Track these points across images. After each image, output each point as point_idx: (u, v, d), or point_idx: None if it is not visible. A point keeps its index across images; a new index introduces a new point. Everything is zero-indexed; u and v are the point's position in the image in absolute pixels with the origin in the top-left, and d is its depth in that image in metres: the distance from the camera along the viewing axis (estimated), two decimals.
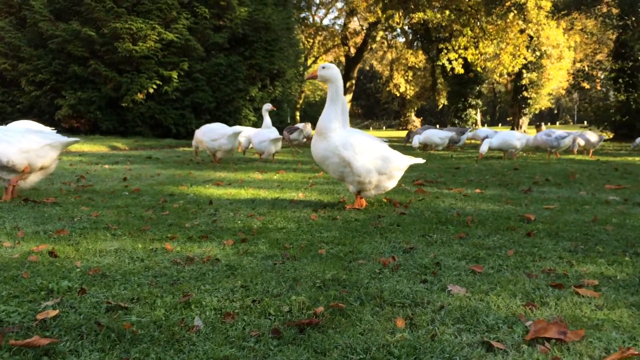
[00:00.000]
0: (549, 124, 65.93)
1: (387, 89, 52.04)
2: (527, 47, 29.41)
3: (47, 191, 5.69)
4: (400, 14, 31.41)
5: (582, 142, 13.25)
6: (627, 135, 21.72)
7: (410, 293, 2.39)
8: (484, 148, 11.03)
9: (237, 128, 10.30)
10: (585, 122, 32.96)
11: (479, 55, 29.46)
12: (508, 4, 25.46)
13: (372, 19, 33.61)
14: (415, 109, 60.77)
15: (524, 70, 32.92)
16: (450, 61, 30.08)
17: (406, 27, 36.31)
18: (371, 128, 73.29)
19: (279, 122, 21.03)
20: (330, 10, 44.55)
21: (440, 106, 47.85)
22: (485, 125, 59.21)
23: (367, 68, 69.97)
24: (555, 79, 36.40)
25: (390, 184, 4.76)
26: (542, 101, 38.65)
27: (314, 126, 9.08)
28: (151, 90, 18.65)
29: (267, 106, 10.57)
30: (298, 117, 42.28)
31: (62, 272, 2.69)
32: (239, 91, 20.80)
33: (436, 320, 2.10)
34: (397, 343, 1.88)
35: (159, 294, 2.37)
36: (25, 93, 18.66)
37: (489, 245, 3.31)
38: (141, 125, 19.26)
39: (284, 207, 4.78)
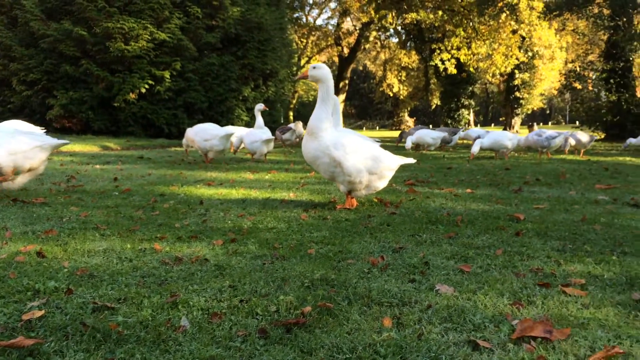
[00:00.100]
0: (541, 124, 66.27)
1: (381, 89, 52.12)
2: (520, 48, 29.58)
3: (37, 191, 5.66)
4: (393, 14, 31.46)
5: (573, 142, 13.32)
6: (618, 136, 21.86)
7: (398, 292, 2.40)
8: (475, 148, 11.07)
9: (229, 129, 10.28)
10: (577, 123, 33.12)
11: (472, 55, 29.59)
12: (500, 4, 25.56)
13: (365, 19, 33.64)
14: (409, 109, 60.90)
15: (516, 71, 33.10)
16: (443, 61, 30.20)
17: (399, 28, 36.41)
18: (364, 128, 73.39)
19: (272, 122, 21.02)
20: (324, 10, 44.43)
21: (433, 106, 47.94)
22: (478, 125, 59.39)
23: (361, 68, 70.08)
24: (547, 80, 36.61)
25: (381, 184, 4.77)
26: (535, 101, 38.86)
27: (306, 126, 9.07)
28: (143, 90, 18.59)
29: (260, 106, 10.56)
30: (291, 117, 42.24)
31: (49, 273, 2.68)
32: (231, 91, 20.77)
33: (423, 320, 2.10)
34: (383, 342, 1.88)
35: (147, 294, 2.36)
36: (17, 93, 18.57)
37: (478, 244, 3.32)
38: (133, 125, 19.20)
39: (274, 207, 4.77)
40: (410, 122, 59.52)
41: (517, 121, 37.09)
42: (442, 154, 13.67)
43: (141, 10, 18.56)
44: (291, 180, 7.06)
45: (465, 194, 5.72)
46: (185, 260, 2.95)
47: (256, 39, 21.46)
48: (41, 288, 2.41)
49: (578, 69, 27.80)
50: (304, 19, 41.60)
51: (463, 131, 17.67)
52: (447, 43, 30.21)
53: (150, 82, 18.61)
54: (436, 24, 30.29)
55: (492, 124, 69.33)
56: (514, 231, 3.68)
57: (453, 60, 30.06)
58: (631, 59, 23.69)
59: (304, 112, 50.36)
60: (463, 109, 36.38)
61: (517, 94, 35.41)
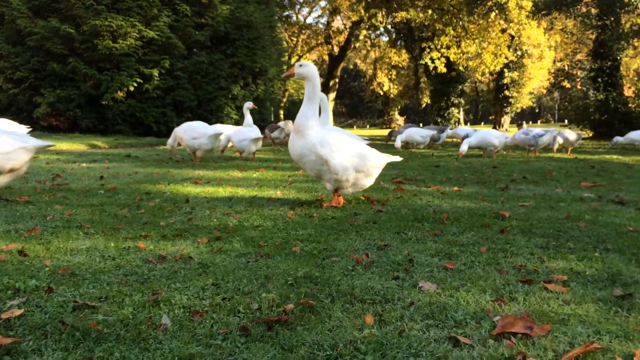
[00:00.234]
0: (530, 122, 66.68)
1: (371, 87, 52.17)
2: (509, 47, 29.74)
3: (21, 190, 5.61)
4: (383, 13, 31.51)
5: (561, 141, 13.41)
6: (605, 134, 22.01)
7: (381, 290, 2.40)
8: (464, 148, 11.11)
9: (218, 128, 10.24)
10: (566, 121, 33.37)
11: (461, 54, 29.69)
12: (489, 3, 25.68)
13: (355, 18, 33.64)
14: (399, 107, 61.03)
15: (505, 70, 33.29)
16: (433, 60, 30.26)
17: (389, 26, 36.42)
18: (355, 126, 73.42)
19: (262, 121, 20.99)
20: (314, 9, 44.39)
21: (424, 105, 48.09)
22: (468, 124, 59.62)
23: (351, 67, 70.08)
24: (536, 78, 36.90)
25: (368, 182, 4.77)
26: (524, 100, 39.16)
27: None
28: (132, 88, 18.49)
29: (248, 104, 10.52)
30: (282, 116, 42.17)
31: (30, 271, 2.65)
32: (220, 89, 20.71)
33: (405, 317, 2.10)
34: (364, 339, 1.88)
35: (128, 293, 2.34)
36: (3, 91, 18.41)
37: (463, 242, 3.33)
38: (122, 123, 19.09)
39: (261, 205, 4.76)
40: (400, 120, 59.67)
41: (506, 120, 37.29)
42: (430, 152, 13.71)
43: (129, 8, 18.45)
44: (279, 179, 7.04)
45: (452, 192, 5.74)
46: (169, 258, 2.93)
47: (246, 37, 21.40)
48: (21, 287, 2.39)
49: (566, 67, 27.94)
50: (294, 18, 41.55)
51: (451, 129, 17.74)
52: (436, 42, 30.26)
53: (138, 80, 18.51)
54: (426, 23, 30.34)
55: (482, 123, 69.61)
56: (499, 228, 3.70)
57: (443, 59, 30.15)
58: (619, 58, 23.86)
59: (295, 110, 50.09)
60: (453, 108, 36.50)
61: (507, 92, 35.62)
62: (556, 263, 2.86)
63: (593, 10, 23.67)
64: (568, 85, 27.83)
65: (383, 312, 2.14)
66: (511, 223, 3.92)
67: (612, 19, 22.95)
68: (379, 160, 4.72)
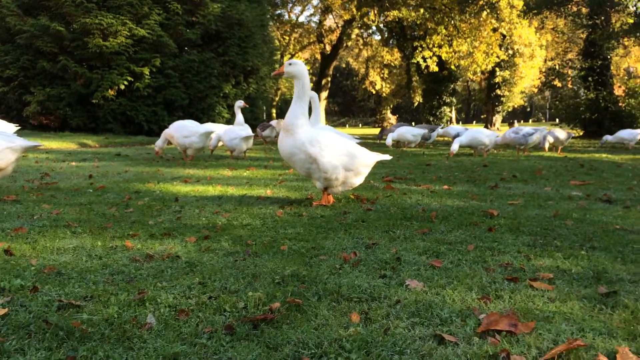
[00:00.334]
0: (522, 121, 66.99)
1: (363, 86, 52.16)
2: (500, 46, 29.84)
3: (9, 189, 5.57)
4: (375, 11, 31.53)
5: (551, 140, 13.48)
6: (596, 133, 22.15)
7: (368, 288, 2.40)
8: (454, 147, 11.14)
9: (209, 127, 10.20)
10: (557, 120, 33.54)
11: (453, 53, 29.76)
12: (481, 2, 25.76)
13: (347, 17, 33.65)
14: (391, 106, 60.98)
15: (497, 69, 33.41)
16: (424, 59, 30.31)
17: (381, 25, 36.46)
18: (347, 125, 73.48)
19: (253, 120, 20.94)
20: (306, 8, 44.30)
21: (416, 104, 48.08)
22: (460, 122, 59.80)
23: (343, 65, 70.06)
24: (527, 77, 37.04)
25: (357, 180, 4.78)
26: (515, 99, 39.28)
27: None
28: (122, 87, 18.41)
29: (240, 103, 10.49)
30: (274, 114, 42.14)
31: (16, 271, 2.63)
32: (212, 88, 20.65)
33: (391, 315, 2.10)
34: (349, 337, 1.88)
35: (114, 292, 2.33)
36: None
37: (451, 240, 3.34)
38: (112, 122, 19.00)
39: (250, 204, 4.76)
40: (392, 119, 59.65)
41: (498, 118, 37.44)
42: (421, 151, 13.75)
43: (120, 6, 18.37)
44: (269, 177, 7.04)
45: (442, 191, 5.75)
46: (157, 257, 2.92)
47: (237, 35, 21.35)
48: (6, 286, 2.38)
49: (557, 67, 28.11)
50: (286, 16, 41.50)
51: (442, 128, 17.78)
52: (428, 41, 30.31)
53: (129, 78, 18.43)
54: (418, 22, 30.37)
55: (474, 122, 69.87)
56: (487, 227, 3.71)
57: (435, 58, 30.21)
58: (609, 57, 24.03)
59: (287, 109, 50.10)
60: (445, 107, 36.56)
61: (498, 91, 35.76)
62: (542, 261, 2.87)
63: (583, 10, 23.81)
64: (559, 84, 27.99)
65: (369, 311, 2.14)
66: (499, 221, 3.94)
67: (603, 18, 23.10)
68: (368, 159, 4.73)
